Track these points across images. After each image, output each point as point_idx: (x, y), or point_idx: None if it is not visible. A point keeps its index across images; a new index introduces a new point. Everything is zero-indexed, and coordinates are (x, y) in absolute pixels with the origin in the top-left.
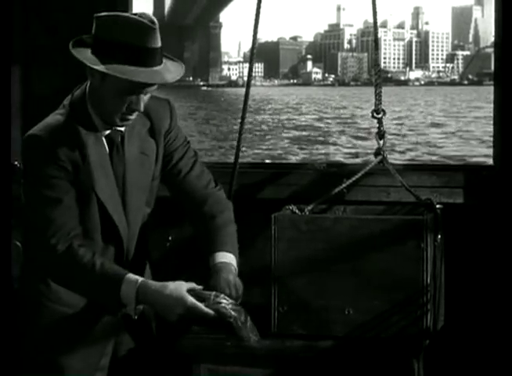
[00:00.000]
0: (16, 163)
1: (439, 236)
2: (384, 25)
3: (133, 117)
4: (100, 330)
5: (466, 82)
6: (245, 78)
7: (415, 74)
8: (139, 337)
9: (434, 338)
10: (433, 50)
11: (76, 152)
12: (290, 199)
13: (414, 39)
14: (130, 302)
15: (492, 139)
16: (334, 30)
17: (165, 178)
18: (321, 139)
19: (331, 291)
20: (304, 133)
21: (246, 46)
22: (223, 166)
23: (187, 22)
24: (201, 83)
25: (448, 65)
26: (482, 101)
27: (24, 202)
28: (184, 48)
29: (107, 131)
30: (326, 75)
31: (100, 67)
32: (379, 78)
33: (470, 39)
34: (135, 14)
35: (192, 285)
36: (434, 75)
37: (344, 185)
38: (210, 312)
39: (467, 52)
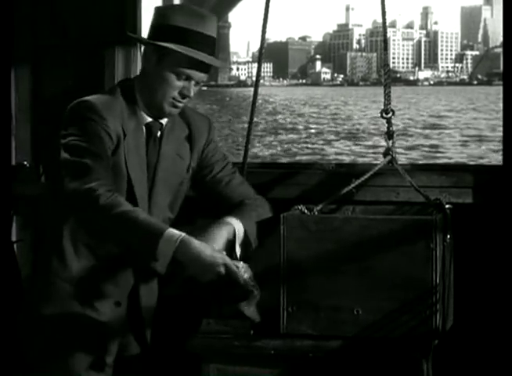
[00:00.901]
0: (25, 163)
1: (448, 236)
2: (393, 25)
3: (182, 104)
4: (104, 325)
5: (475, 82)
6: (254, 78)
7: (424, 73)
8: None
9: (443, 338)
10: (442, 50)
11: (120, 127)
12: (298, 199)
13: (423, 39)
14: (165, 258)
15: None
16: (343, 30)
17: (205, 187)
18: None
19: (340, 291)
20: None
21: (255, 46)
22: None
23: None
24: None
25: (457, 65)
26: None
27: (63, 160)
28: None
29: (148, 120)
30: (335, 75)
31: (164, 43)
32: (388, 78)
33: (480, 39)
34: None
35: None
36: (443, 75)
37: (353, 185)
38: (244, 276)
39: (476, 52)
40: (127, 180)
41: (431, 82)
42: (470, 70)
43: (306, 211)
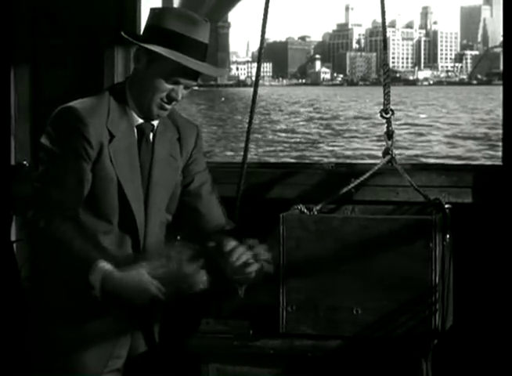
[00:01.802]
0: (24, 162)
1: (448, 236)
2: (393, 25)
3: (170, 107)
4: (112, 329)
5: (475, 82)
6: (253, 78)
7: (423, 73)
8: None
9: (443, 338)
10: (441, 50)
11: (105, 131)
12: (298, 198)
13: (423, 39)
14: (96, 288)
15: None
16: (343, 30)
17: (182, 195)
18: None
19: (340, 290)
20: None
21: (255, 46)
22: (231, 166)
23: None
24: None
25: (456, 65)
26: None
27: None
28: None
29: (139, 121)
30: (335, 75)
31: (154, 47)
32: (387, 78)
33: (479, 39)
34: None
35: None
36: (442, 75)
37: (352, 184)
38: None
39: (476, 52)
40: (118, 185)
41: (431, 82)
42: (469, 69)
43: (305, 210)
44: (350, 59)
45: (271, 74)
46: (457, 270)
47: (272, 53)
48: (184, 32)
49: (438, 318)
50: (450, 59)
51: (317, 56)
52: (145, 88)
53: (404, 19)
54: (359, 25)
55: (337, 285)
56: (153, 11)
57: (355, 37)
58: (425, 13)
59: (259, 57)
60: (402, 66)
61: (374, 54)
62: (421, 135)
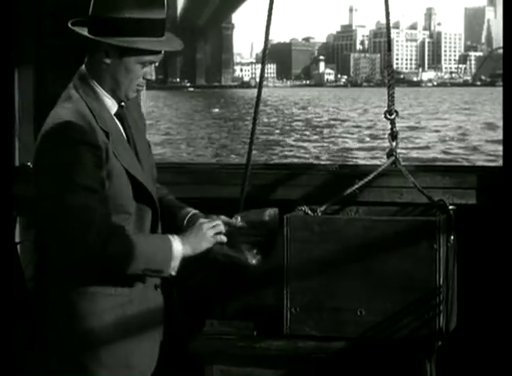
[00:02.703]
0: (28, 163)
1: (452, 237)
2: (397, 26)
3: (143, 86)
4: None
5: (478, 83)
6: (257, 79)
7: (427, 74)
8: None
9: (447, 340)
10: (445, 51)
11: (100, 131)
12: (302, 200)
13: (427, 40)
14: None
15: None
16: (347, 31)
17: None
18: None
19: (343, 292)
20: None
21: (259, 47)
22: (235, 167)
23: (199, 23)
24: (187, 84)
25: (460, 66)
26: None
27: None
28: (196, 49)
29: (114, 110)
30: (339, 76)
31: (127, 42)
32: (391, 79)
33: (483, 40)
34: None
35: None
36: (446, 76)
37: (356, 186)
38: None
39: (480, 53)
40: (125, 172)
41: (435, 83)
42: (473, 71)
43: (309, 212)
44: (354, 60)
45: (275, 76)
46: (461, 272)
47: (276, 54)
48: (145, 16)
49: (441, 319)
50: (454, 60)
51: (321, 57)
52: (120, 78)
53: (408, 21)
54: (363, 26)
55: (341, 286)
56: (100, 2)
57: (359, 38)
58: (429, 14)
59: (263, 58)
60: (406, 68)
61: (378, 55)
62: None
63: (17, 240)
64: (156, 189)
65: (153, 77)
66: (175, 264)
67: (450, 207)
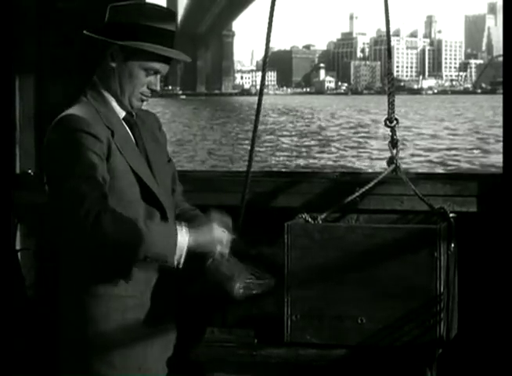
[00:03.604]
0: (29, 171)
1: (452, 245)
2: (397, 33)
3: (149, 97)
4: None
5: (479, 91)
6: (258, 87)
7: (428, 82)
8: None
9: (448, 347)
10: (446, 59)
11: (105, 129)
12: (302, 207)
13: (427, 48)
14: (182, 251)
15: None
16: (347, 39)
17: None
18: None
19: (344, 299)
20: None
21: (259, 55)
22: (236, 174)
23: (200, 31)
24: (180, 92)
25: (461, 73)
26: None
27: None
28: (197, 56)
29: (123, 114)
30: (339, 84)
31: (133, 43)
32: (392, 87)
33: (484, 48)
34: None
35: None
36: (447, 84)
37: (357, 193)
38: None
39: (480, 61)
40: (131, 171)
41: (435, 91)
42: (474, 78)
43: (310, 219)
44: (354, 67)
45: (275, 83)
46: (462, 279)
47: (277, 62)
48: (156, 24)
49: (442, 327)
50: (454, 68)
51: (321, 64)
52: (124, 83)
53: (408, 28)
54: (364, 34)
55: (342, 294)
56: (114, 8)
57: (360, 46)
58: (429, 22)
59: (263, 66)
60: (407, 75)
61: (378, 63)
62: None
63: (18, 247)
64: (172, 200)
65: (158, 88)
66: (181, 252)
67: (451, 214)
